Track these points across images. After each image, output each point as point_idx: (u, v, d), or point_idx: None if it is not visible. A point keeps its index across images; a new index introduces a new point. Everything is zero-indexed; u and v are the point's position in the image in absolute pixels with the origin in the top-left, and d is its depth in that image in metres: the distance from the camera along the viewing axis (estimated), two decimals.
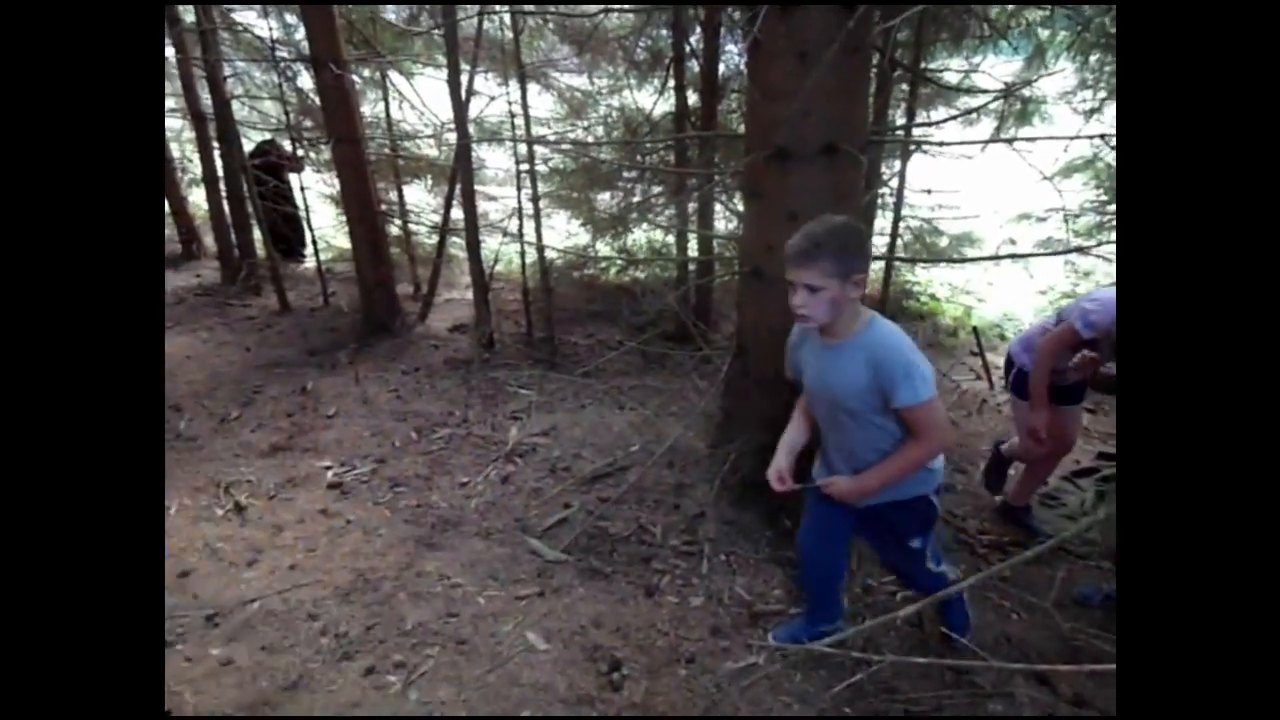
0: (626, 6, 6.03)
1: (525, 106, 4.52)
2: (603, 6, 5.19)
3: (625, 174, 6.33)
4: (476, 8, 5.03)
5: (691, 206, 5.29)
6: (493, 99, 5.69)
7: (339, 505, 3.22)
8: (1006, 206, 5.92)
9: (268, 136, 6.80)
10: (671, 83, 5.20)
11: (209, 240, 7.28)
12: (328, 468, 3.56)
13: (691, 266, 5.49)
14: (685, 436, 3.86)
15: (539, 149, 5.70)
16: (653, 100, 5.97)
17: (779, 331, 2.70)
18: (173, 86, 8.52)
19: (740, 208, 5.04)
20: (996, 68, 5.00)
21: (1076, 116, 4.81)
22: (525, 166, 4.82)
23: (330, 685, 2.17)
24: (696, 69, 5.22)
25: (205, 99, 6.10)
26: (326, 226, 6.98)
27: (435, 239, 6.54)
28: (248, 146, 6.33)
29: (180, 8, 5.97)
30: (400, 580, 2.58)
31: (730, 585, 2.64)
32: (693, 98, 5.42)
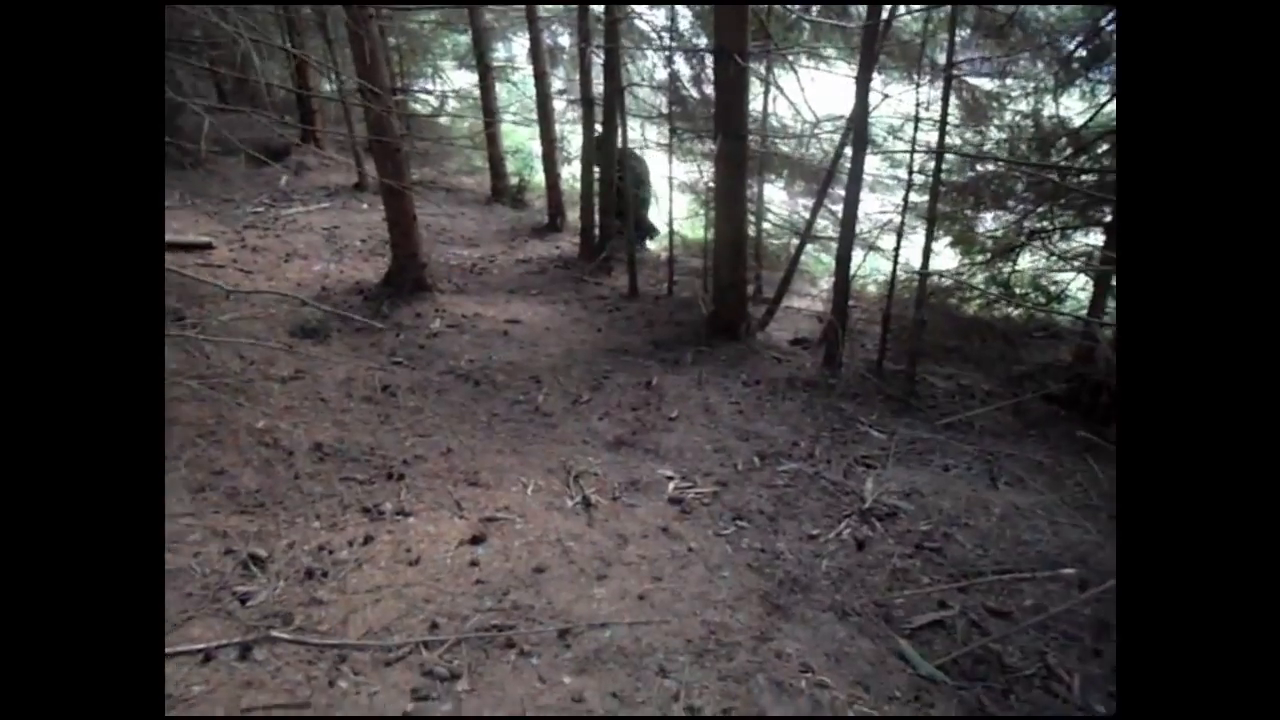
0: None
1: (945, 109, 3.87)
2: None
3: (1019, 192, 5.36)
4: None
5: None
6: (885, 97, 5.12)
7: (680, 526, 3.02)
8: None
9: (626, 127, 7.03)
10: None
11: (571, 215, 7.86)
12: (669, 478, 3.40)
13: (1108, 317, 4.39)
14: (1094, 546, 3.01)
15: (919, 158, 5.01)
16: (1084, 107, 4.91)
17: None
18: (564, 71, 9.38)
19: None
20: None
21: None
22: (921, 177, 4.21)
23: None
24: None
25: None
26: (676, 217, 7.06)
27: (783, 240, 6.23)
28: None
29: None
30: (757, 656, 2.24)
31: None
32: None
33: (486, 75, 8.07)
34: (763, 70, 5.68)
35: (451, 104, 9.64)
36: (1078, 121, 4.98)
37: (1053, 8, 5.00)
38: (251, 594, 2.38)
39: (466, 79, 9.98)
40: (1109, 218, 4.81)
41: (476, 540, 2.76)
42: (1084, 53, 4.98)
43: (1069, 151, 4.87)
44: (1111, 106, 4.79)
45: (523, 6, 7.30)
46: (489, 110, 8.16)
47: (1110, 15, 4.64)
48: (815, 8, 5.78)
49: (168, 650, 2.08)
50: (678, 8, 6.48)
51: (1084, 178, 4.86)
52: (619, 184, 6.40)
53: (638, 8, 7.11)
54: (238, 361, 3.84)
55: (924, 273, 4.08)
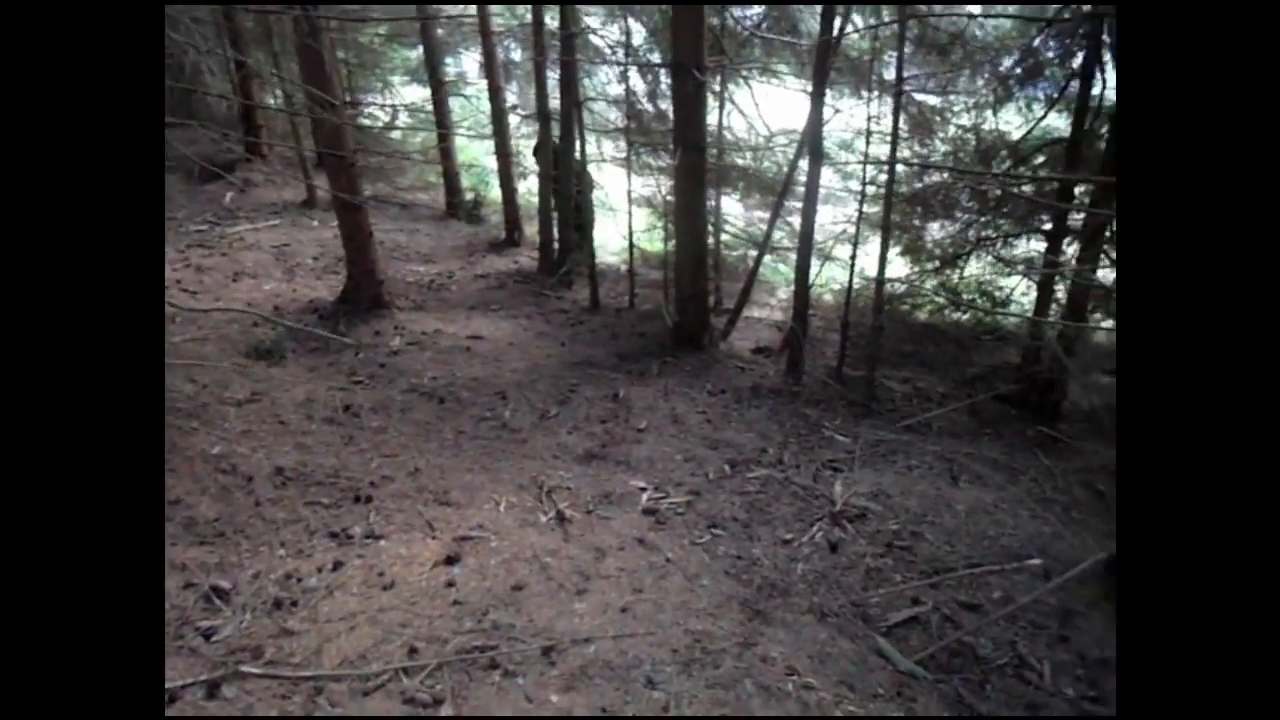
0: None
1: (896, 123, 4.01)
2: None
3: (964, 203, 5.58)
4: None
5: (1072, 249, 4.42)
6: (837, 112, 5.28)
7: (656, 537, 3.02)
8: None
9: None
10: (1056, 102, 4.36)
11: (529, 230, 7.83)
12: (642, 489, 3.39)
13: (1054, 319, 4.60)
14: (1053, 537, 3.13)
15: (870, 170, 5.16)
16: (1020, 122, 5.15)
17: None
18: (518, 85, 9.36)
19: None
20: None
21: None
22: (873, 188, 4.34)
23: None
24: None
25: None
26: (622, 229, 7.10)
27: (741, 251, 6.33)
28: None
29: (545, 13, 6.38)
30: (743, 661, 2.25)
31: None
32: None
33: (439, 90, 8.00)
34: (716, 86, 5.78)
35: (404, 118, 9.52)
36: (1015, 135, 5.24)
37: (990, 26, 5.25)
38: (216, 628, 2.29)
39: (417, 94, 9.87)
40: (1048, 225, 5.05)
41: (451, 560, 2.71)
42: (1020, 70, 5.24)
43: (1008, 164, 5.10)
44: (1047, 122, 5.05)
45: (475, 21, 7.28)
46: (443, 125, 8.08)
47: (1041, 35, 4.90)
48: (765, 23, 5.92)
49: None
50: (631, 25, 6.55)
51: (1024, 188, 5.10)
52: (577, 198, 6.41)
53: (592, 23, 7.17)
54: (190, 385, 3.69)
55: (881, 280, 4.20)
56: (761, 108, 6.17)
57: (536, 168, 7.12)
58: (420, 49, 8.38)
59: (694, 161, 4.45)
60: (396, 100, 9.74)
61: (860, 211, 4.53)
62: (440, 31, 8.10)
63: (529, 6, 6.71)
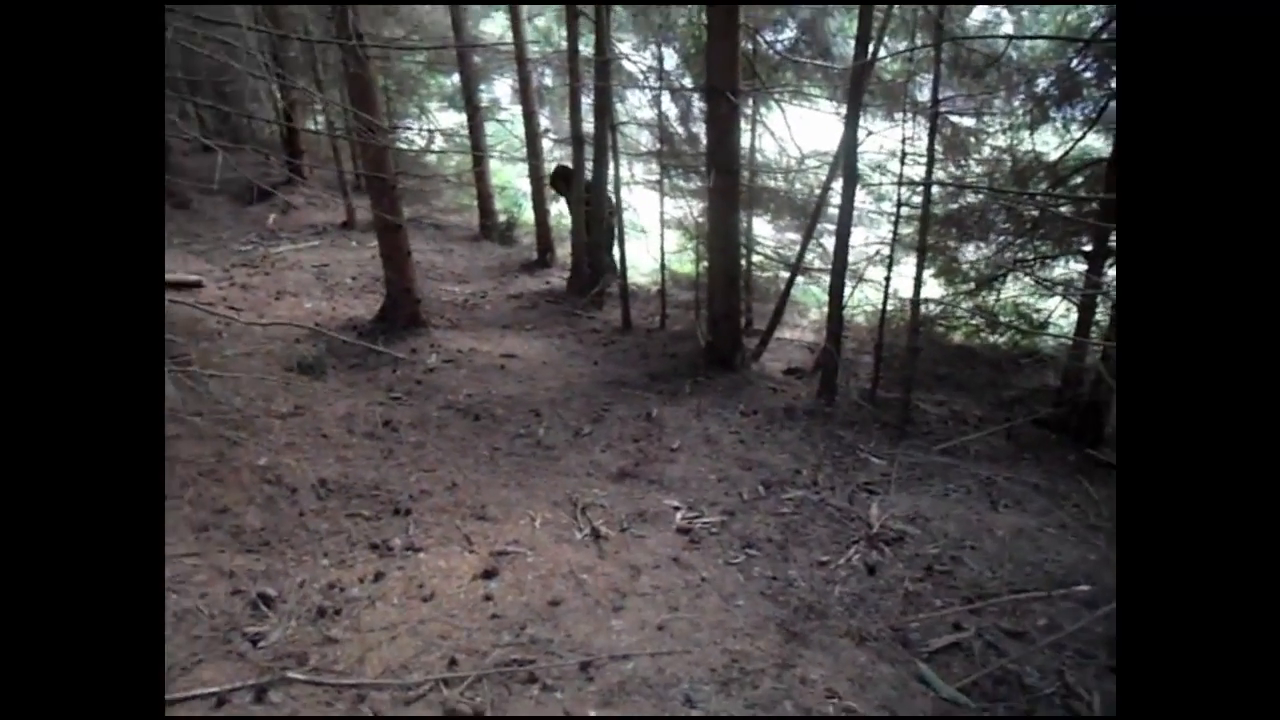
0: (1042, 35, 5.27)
1: (932, 145, 4.01)
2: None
3: (1000, 224, 5.53)
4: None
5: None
6: (870, 134, 5.29)
7: (690, 556, 3.01)
8: None
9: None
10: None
11: (561, 251, 7.93)
12: (676, 508, 3.40)
13: (1096, 347, 4.52)
14: (1099, 564, 3.05)
15: (904, 191, 5.15)
16: (1058, 143, 5.11)
17: None
18: (550, 110, 9.54)
19: None
20: None
21: None
22: (907, 210, 4.33)
23: None
24: None
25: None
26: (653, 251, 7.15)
27: (771, 272, 6.33)
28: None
29: (580, 41, 6.52)
30: (782, 682, 2.23)
31: None
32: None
33: (475, 115, 8.20)
34: (748, 109, 5.84)
35: (440, 142, 9.77)
36: (1052, 156, 5.19)
37: (1026, 47, 5.23)
38: (263, 634, 2.33)
39: (452, 119, 10.12)
40: (1088, 246, 4.98)
41: (489, 574, 2.73)
42: (1057, 91, 5.20)
43: (1044, 185, 5.06)
44: (1085, 142, 5.00)
45: (511, 49, 7.46)
46: (477, 148, 8.26)
47: (1079, 55, 4.88)
48: (799, 45, 5.98)
49: (179, 695, 2.02)
50: (664, 51, 6.66)
51: (1062, 208, 5.04)
52: (609, 220, 6.50)
53: (625, 49, 7.30)
54: (238, 398, 3.79)
55: (917, 301, 4.17)
56: (793, 130, 6.22)
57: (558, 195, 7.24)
58: (456, 75, 8.61)
59: (727, 183, 4.49)
60: (433, 125, 9.98)
61: (894, 233, 4.52)
62: (478, 59, 8.31)
63: (564, 35, 6.87)
